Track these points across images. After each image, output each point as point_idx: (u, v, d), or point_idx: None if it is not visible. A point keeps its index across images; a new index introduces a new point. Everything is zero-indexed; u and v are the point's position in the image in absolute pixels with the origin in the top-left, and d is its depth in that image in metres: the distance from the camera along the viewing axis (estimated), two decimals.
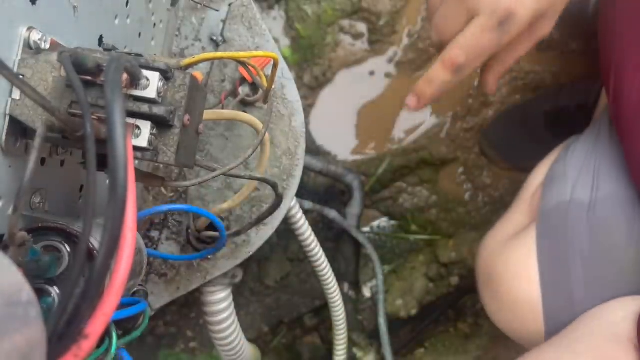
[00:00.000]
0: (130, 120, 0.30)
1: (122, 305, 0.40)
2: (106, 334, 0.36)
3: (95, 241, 0.34)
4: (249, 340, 0.87)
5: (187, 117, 0.31)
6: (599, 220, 0.56)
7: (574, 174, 0.60)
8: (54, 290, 0.32)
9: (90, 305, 0.23)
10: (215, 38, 0.57)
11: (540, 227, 0.60)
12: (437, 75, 0.53)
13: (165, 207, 0.41)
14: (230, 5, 0.58)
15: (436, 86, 0.53)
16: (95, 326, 0.22)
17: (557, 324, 0.57)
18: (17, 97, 0.31)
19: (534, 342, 0.59)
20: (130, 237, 0.23)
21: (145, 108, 0.30)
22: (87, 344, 0.22)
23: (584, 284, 0.55)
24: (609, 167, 0.58)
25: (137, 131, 0.30)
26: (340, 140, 1.04)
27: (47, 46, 0.32)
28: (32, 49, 0.32)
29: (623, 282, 0.54)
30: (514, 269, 0.60)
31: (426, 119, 1.05)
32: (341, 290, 0.81)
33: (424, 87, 0.54)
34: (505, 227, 0.67)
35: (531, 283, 0.57)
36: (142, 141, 0.30)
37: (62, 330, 0.23)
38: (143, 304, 0.40)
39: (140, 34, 0.49)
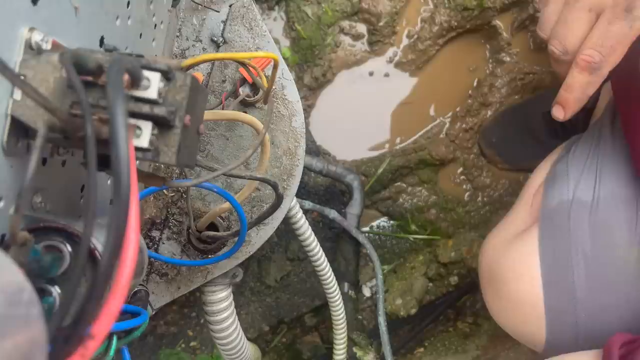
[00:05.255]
0: (131, 121, 0.30)
1: (123, 314, 0.40)
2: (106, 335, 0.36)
3: (95, 240, 0.34)
4: (250, 339, 0.88)
5: (187, 117, 0.31)
6: (601, 220, 0.56)
7: (576, 174, 0.60)
8: (55, 290, 0.32)
9: (95, 305, 0.23)
10: (215, 39, 0.58)
11: (542, 226, 0.60)
12: (575, 79, 0.52)
13: (189, 181, 0.40)
14: (230, 6, 0.58)
15: (577, 91, 0.52)
16: (101, 326, 0.23)
17: (559, 324, 0.57)
18: (19, 98, 0.31)
19: (536, 342, 0.59)
20: (133, 237, 0.23)
21: (146, 108, 0.30)
22: (93, 344, 0.23)
23: (586, 283, 0.55)
24: (611, 167, 0.59)
25: (138, 131, 0.30)
26: (340, 140, 1.05)
27: (49, 47, 0.33)
28: (33, 50, 0.32)
29: (625, 281, 0.54)
30: (517, 268, 0.60)
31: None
32: (341, 289, 0.81)
33: (565, 96, 0.54)
34: (507, 226, 0.67)
35: (533, 282, 0.58)
36: (143, 141, 0.30)
37: (68, 331, 0.23)
38: (144, 315, 0.40)
39: (141, 35, 0.49)
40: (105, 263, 0.23)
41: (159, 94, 0.30)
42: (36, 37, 0.32)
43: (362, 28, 1.01)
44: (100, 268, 0.23)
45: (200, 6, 0.58)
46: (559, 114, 0.56)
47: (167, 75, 0.30)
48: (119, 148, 0.24)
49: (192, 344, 0.96)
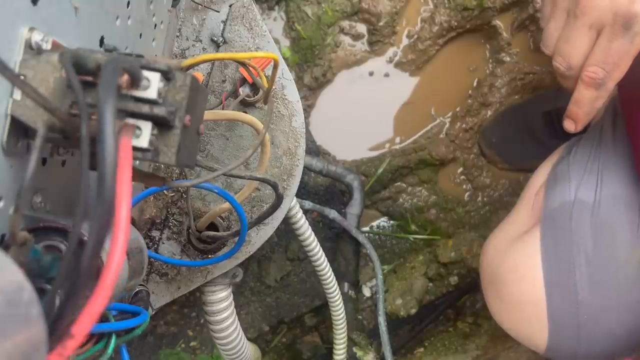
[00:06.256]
0: (131, 121, 0.30)
1: (124, 314, 0.40)
2: (106, 334, 0.36)
3: None
4: (250, 339, 0.87)
5: (187, 117, 0.31)
6: (603, 221, 0.56)
7: (577, 175, 0.60)
8: None
9: (76, 304, 0.22)
10: (215, 39, 0.58)
11: (544, 227, 0.60)
12: (582, 95, 0.54)
13: (189, 182, 0.40)
14: (230, 6, 0.58)
15: (586, 106, 0.54)
16: (82, 326, 0.22)
17: (560, 325, 0.57)
18: (19, 98, 0.31)
19: (538, 343, 0.59)
20: (122, 238, 0.23)
21: (145, 109, 0.30)
22: (72, 343, 0.22)
23: (588, 284, 0.55)
24: (613, 168, 0.59)
25: (137, 132, 0.30)
26: (340, 140, 1.05)
27: (49, 47, 0.33)
28: (33, 50, 0.32)
29: (627, 282, 0.54)
30: (518, 269, 0.60)
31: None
32: (341, 289, 0.81)
33: (575, 110, 0.56)
34: (509, 227, 0.67)
35: (535, 283, 0.57)
36: (143, 142, 0.30)
37: (49, 329, 0.23)
38: (145, 315, 0.40)
39: (141, 35, 0.49)
40: (85, 262, 0.22)
41: (159, 94, 0.30)
42: (36, 37, 0.32)
43: (362, 28, 1.01)
44: (80, 267, 0.23)
45: (200, 6, 0.58)
46: (570, 127, 0.58)
47: (167, 75, 0.30)
48: (104, 144, 0.23)
49: (192, 344, 0.96)
